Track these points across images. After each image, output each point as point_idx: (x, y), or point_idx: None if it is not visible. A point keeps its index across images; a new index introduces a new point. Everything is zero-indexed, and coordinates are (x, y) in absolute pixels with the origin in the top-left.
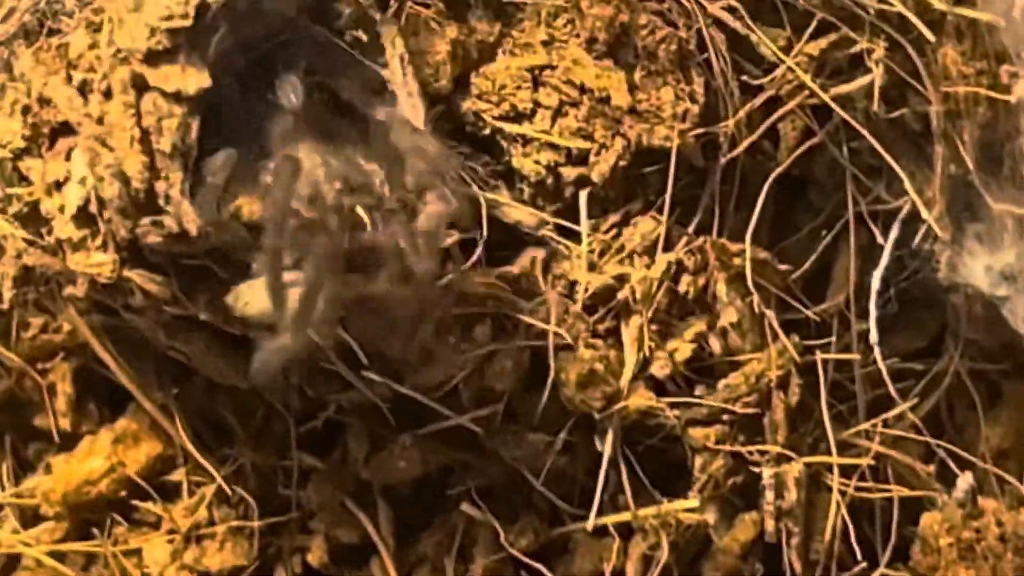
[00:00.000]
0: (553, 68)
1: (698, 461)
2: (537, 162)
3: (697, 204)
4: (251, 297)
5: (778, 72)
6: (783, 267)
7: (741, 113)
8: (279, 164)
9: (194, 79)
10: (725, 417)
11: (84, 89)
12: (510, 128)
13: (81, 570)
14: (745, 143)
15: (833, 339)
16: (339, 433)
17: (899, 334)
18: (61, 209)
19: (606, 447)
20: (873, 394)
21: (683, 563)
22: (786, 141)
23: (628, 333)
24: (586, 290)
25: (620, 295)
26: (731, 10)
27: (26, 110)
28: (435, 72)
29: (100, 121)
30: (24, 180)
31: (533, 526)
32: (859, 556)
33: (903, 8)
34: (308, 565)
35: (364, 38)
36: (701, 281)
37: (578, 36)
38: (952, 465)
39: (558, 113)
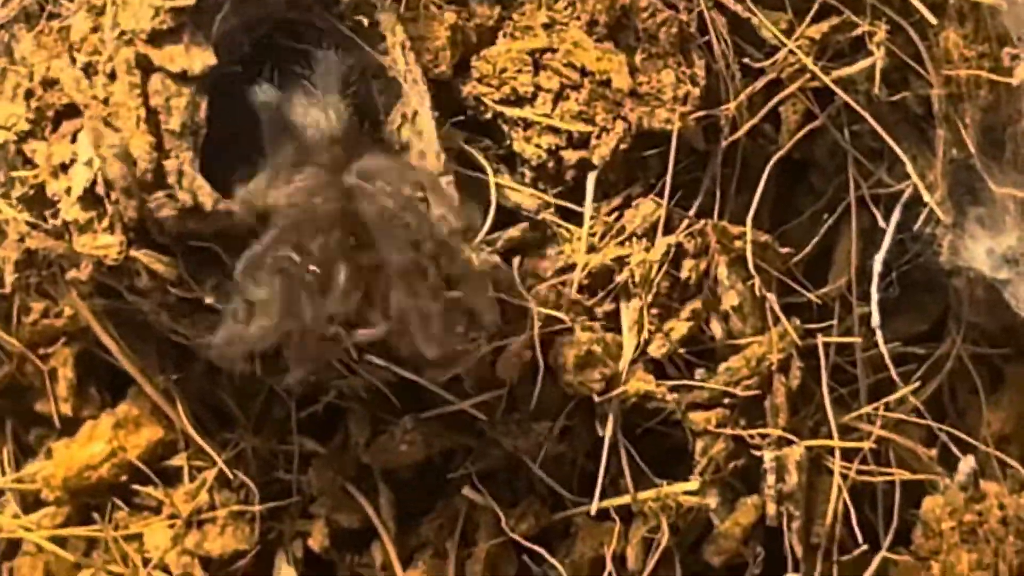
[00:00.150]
0: (554, 51)
1: (699, 445)
2: (538, 146)
3: (698, 187)
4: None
5: (779, 55)
6: (784, 250)
7: (742, 96)
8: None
9: (199, 58)
10: (726, 400)
11: (88, 71)
12: (511, 112)
13: (82, 555)
14: (746, 126)
15: (835, 322)
16: (340, 417)
17: (901, 317)
18: (68, 191)
19: (607, 431)
20: (875, 378)
21: (684, 547)
22: (787, 124)
23: (627, 316)
24: (584, 269)
25: (619, 278)
26: None
27: (29, 93)
28: (435, 58)
29: (106, 102)
30: (28, 163)
31: (534, 510)
32: (861, 540)
33: None
34: (309, 549)
35: (365, 22)
36: (702, 264)
37: (579, 19)
38: (954, 449)
39: (559, 96)
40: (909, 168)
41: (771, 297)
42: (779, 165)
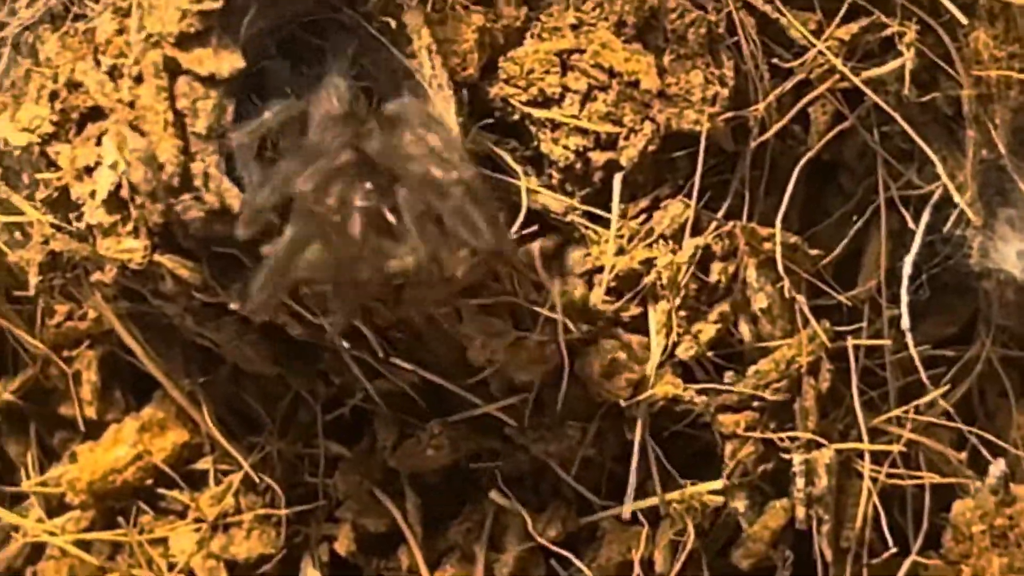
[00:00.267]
0: (582, 52)
1: (728, 448)
2: (566, 147)
3: (727, 189)
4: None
5: (808, 55)
6: (814, 252)
7: (771, 97)
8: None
9: (227, 61)
10: (755, 403)
11: (113, 74)
12: (538, 113)
13: (106, 559)
14: (775, 127)
15: (864, 325)
16: (366, 421)
17: (930, 320)
18: (92, 194)
19: (636, 435)
20: (904, 380)
21: (713, 550)
22: (816, 125)
23: (655, 318)
24: (612, 271)
25: (647, 280)
26: None
27: (54, 95)
28: (462, 61)
29: (132, 105)
30: (52, 165)
31: (561, 515)
32: (890, 543)
33: None
34: (335, 553)
35: (392, 24)
36: (731, 267)
37: (607, 19)
38: (984, 452)
39: (587, 97)
40: (939, 169)
41: (800, 299)
42: (808, 166)
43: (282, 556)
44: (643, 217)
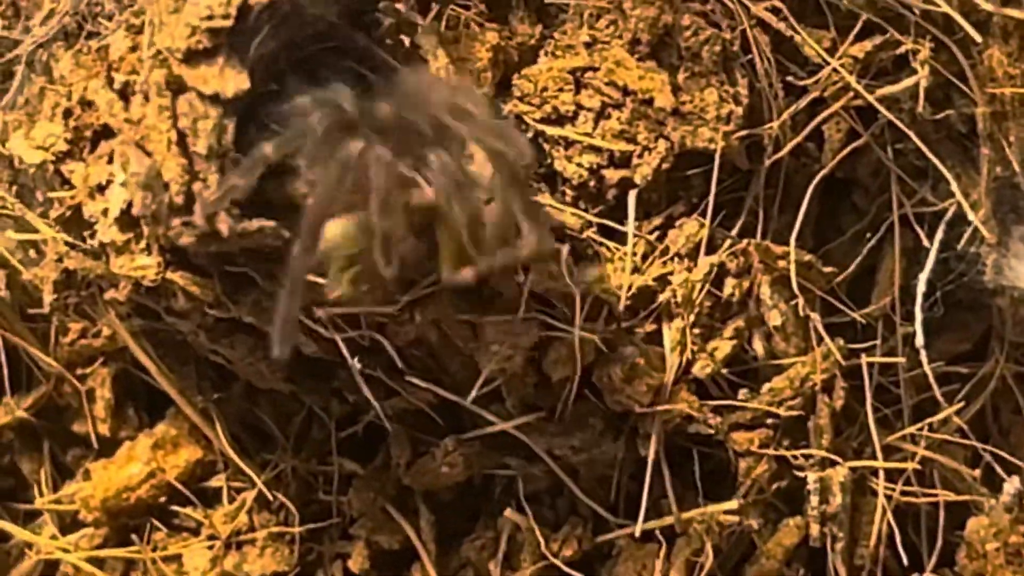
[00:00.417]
0: (596, 70)
1: (742, 465)
2: (580, 165)
3: (741, 206)
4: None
5: (823, 73)
6: (828, 269)
7: (785, 115)
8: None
9: (232, 81)
10: (769, 421)
11: (125, 92)
12: (552, 131)
13: None
14: (789, 145)
15: (878, 342)
16: (380, 438)
17: (944, 337)
18: (104, 212)
19: (650, 452)
20: (918, 398)
21: (727, 568)
22: (831, 143)
23: (670, 336)
24: (629, 290)
25: (662, 297)
26: (775, 11)
27: (67, 113)
28: (477, 79)
29: (138, 124)
30: (66, 183)
31: (576, 534)
32: (904, 561)
33: (949, 9)
34: (349, 571)
35: (406, 43)
36: (745, 284)
37: (621, 37)
38: (998, 469)
39: (601, 115)
40: (953, 187)
41: (814, 317)
42: (822, 184)
43: (296, 574)
44: (657, 235)
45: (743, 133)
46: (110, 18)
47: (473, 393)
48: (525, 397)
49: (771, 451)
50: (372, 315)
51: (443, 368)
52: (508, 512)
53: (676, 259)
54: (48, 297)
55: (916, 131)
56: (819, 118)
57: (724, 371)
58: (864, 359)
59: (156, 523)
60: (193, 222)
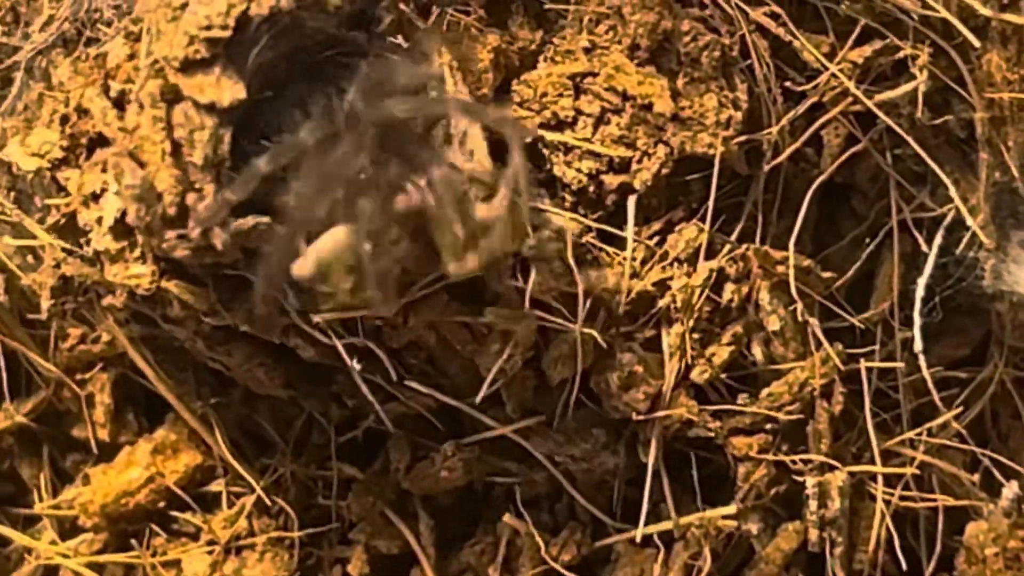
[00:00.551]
0: (595, 75)
1: (741, 470)
2: (579, 170)
3: (740, 211)
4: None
5: (822, 79)
6: (827, 275)
7: (784, 120)
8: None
9: (229, 91)
10: (768, 426)
11: (122, 100)
12: (552, 136)
13: None
14: (788, 150)
15: (877, 347)
16: (380, 443)
17: (943, 342)
18: (99, 220)
19: (650, 457)
20: (917, 403)
21: (726, 573)
22: (829, 148)
23: (669, 341)
24: (628, 295)
25: (661, 303)
26: (774, 16)
27: (64, 120)
28: (477, 81)
29: (133, 134)
30: (62, 190)
31: (575, 539)
32: (903, 566)
33: (947, 14)
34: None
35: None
36: (744, 289)
37: (620, 43)
38: (997, 474)
39: (600, 121)
40: (952, 192)
41: (813, 322)
42: (821, 189)
43: None
44: (656, 240)
45: (742, 138)
46: (109, 25)
47: (480, 396)
48: (524, 401)
49: (770, 456)
50: (369, 319)
51: (442, 372)
52: (507, 517)
53: (675, 264)
54: (46, 303)
55: (915, 136)
56: (818, 123)
57: (723, 376)
58: (863, 364)
59: (155, 528)
60: (188, 235)
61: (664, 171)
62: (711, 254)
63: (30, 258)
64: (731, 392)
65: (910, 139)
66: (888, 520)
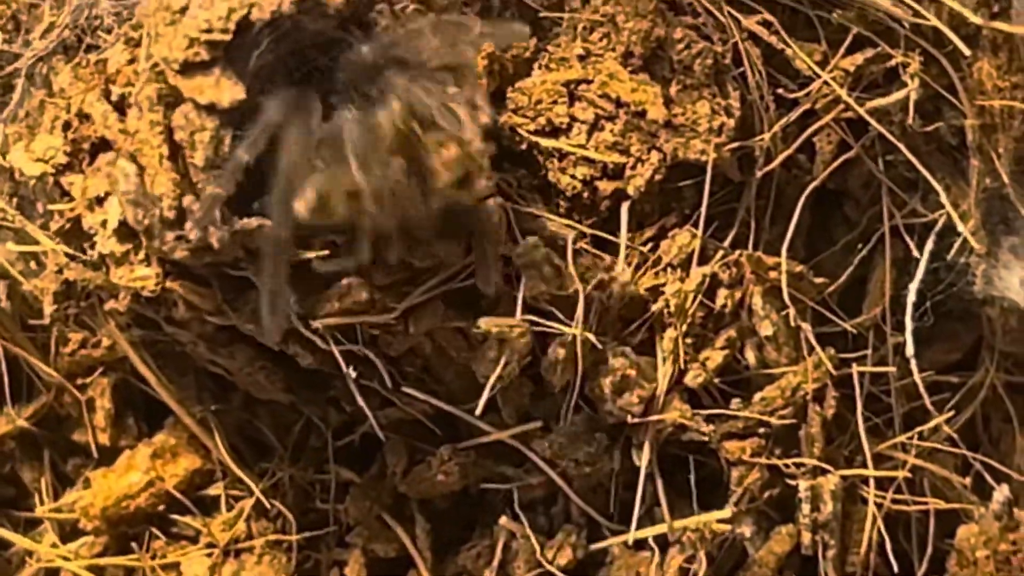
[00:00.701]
0: (589, 82)
1: (734, 474)
2: (573, 176)
3: (733, 217)
4: None
5: (814, 86)
6: (819, 280)
7: (777, 127)
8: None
9: (228, 91)
10: (761, 430)
11: (123, 104)
12: (546, 143)
13: None
14: (781, 157)
15: (869, 352)
16: (377, 447)
17: (935, 347)
18: (103, 224)
19: (643, 460)
20: (909, 407)
21: (719, 575)
22: (822, 155)
23: (662, 346)
24: (621, 300)
25: (654, 307)
26: (766, 24)
27: (67, 126)
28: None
29: (133, 137)
30: (66, 195)
31: (571, 541)
32: (895, 569)
33: (938, 22)
34: None
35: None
36: (737, 294)
37: (614, 50)
38: (988, 478)
39: (594, 127)
40: (943, 198)
41: (806, 327)
42: (813, 195)
43: None
44: (650, 245)
45: (735, 145)
46: (109, 31)
47: (480, 407)
48: (521, 407)
49: (763, 460)
50: (367, 326)
51: (438, 379)
52: (503, 520)
53: (669, 270)
54: (48, 308)
55: (906, 143)
56: (810, 130)
57: (716, 380)
58: (855, 368)
59: (155, 531)
60: (186, 236)
61: (657, 177)
62: (704, 260)
63: (32, 264)
64: (724, 396)
65: (902, 146)
66: (880, 523)
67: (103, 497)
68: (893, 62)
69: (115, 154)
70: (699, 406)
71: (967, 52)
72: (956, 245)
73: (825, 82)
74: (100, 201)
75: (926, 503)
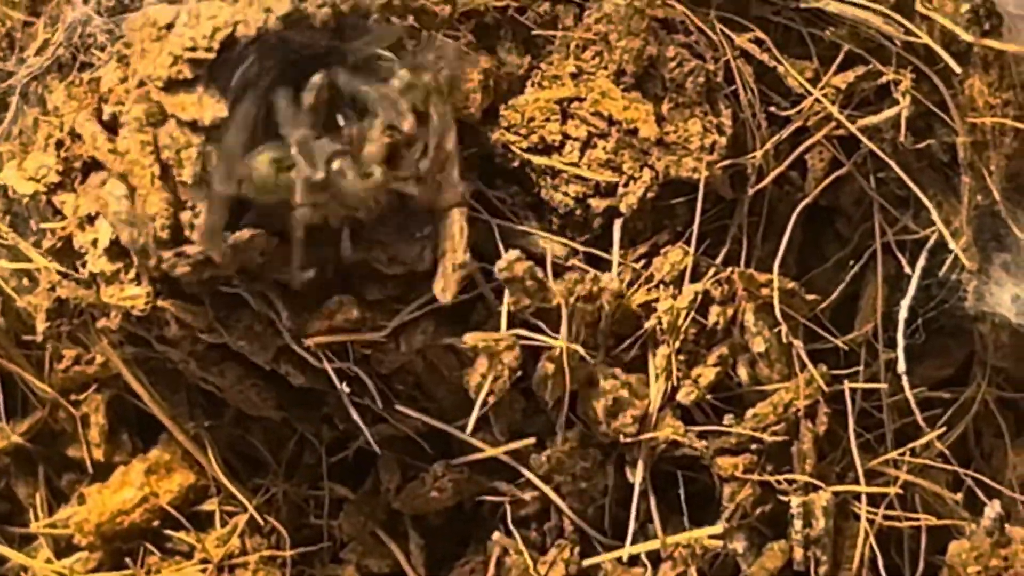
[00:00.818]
0: (581, 100)
1: (727, 490)
2: (566, 194)
3: (725, 235)
4: None
5: (805, 103)
6: (811, 297)
7: (769, 144)
8: None
9: (211, 109)
10: (753, 446)
11: (115, 124)
12: (539, 160)
13: None
14: (773, 174)
15: (861, 368)
16: (370, 463)
17: (926, 363)
18: (94, 243)
19: (636, 477)
20: (901, 423)
21: None
22: (814, 172)
23: (655, 363)
24: (613, 316)
25: (647, 324)
26: (758, 42)
27: (59, 144)
28: (466, 99)
29: (123, 157)
30: (58, 214)
31: (564, 557)
32: None
33: (929, 40)
34: None
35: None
36: (729, 311)
37: (606, 68)
38: (980, 493)
39: (587, 145)
40: (934, 215)
41: (798, 343)
42: (805, 212)
43: None
44: (643, 262)
45: (727, 163)
46: (103, 49)
47: (471, 425)
48: (513, 423)
49: (755, 476)
50: (358, 344)
51: (429, 395)
52: (497, 535)
53: (661, 287)
54: (41, 326)
55: (898, 160)
56: (802, 147)
57: (709, 397)
58: (847, 385)
59: (149, 547)
60: (186, 252)
61: (650, 195)
62: (696, 277)
63: (25, 281)
64: (717, 413)
65: (893, 163)
66: (872, 539)
67: (98, 513)
68: (884, 79)
69: (106, 174)
70: (692, 422)
71: (958, 69)
72: (948, 262)
73: (817, 99)
74: (91, 220)
75: (918, 519)
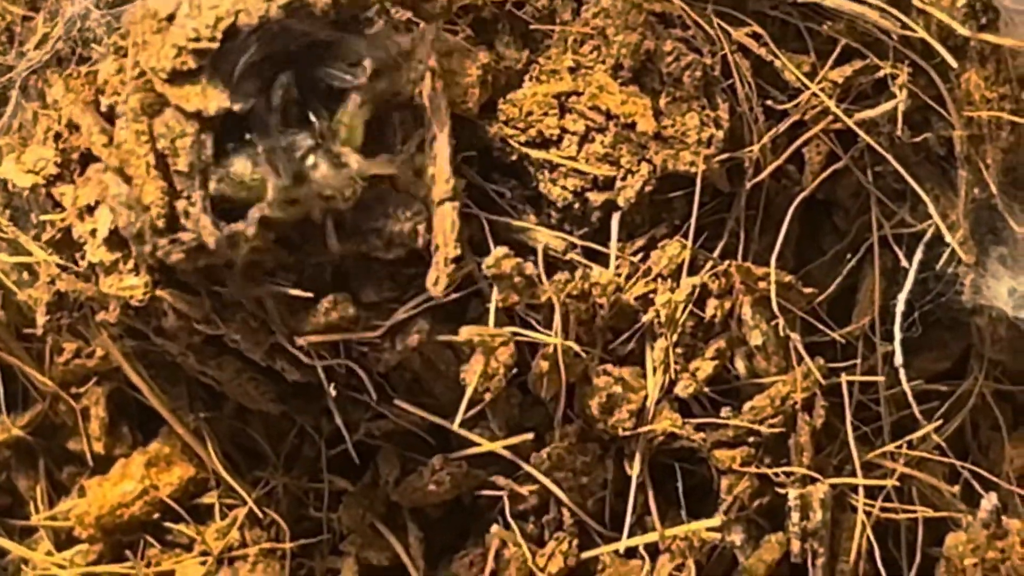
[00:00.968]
0: (579, 94)
1: (724, 483)
2: (564, 188)
3: (722, 228)
4: None
5: (803, 97)
6: (808, 290)
7: (766, 138)
8: None
9: (215, 100)
10: (751, 439)
11: (112, 115)
12: (537, 154)
13: None
14: (770, 168)
15: (858, 361)
16: (370, 456)
17: (923, 356)
18: (93, 233)
19: (634, 470)
20: (898, 415)
21: None
22: (811, 165)
23: (653, 356)
24: (611, 309)
25: (645, 318)
26: (755, 36)
27: (58, 137)
28: (464, 94)
29: (119, 148)
30: (57, 206)
31: (562, 550)
32: None
33: (926, 34)
34: None
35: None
36: (727, 304)
37: (604, 63)
38: (976, 486)
39: (584, 139)
40: (931, 208)
41: (795, 336)
42: (802, 206)
43: None
44: (640, 256)
45: (724, 156)
46: (100, 42)
47: (458, 419)
48: (511, 418)
49: (753, 468)
50: (353, 342)
51: (427, 391)
52: (495, 528)
53: (659, 280)
54: (41, 319)
55: (895, 154)
56: (799, 141)
57: (707, 390)
58: (844, 378)
59: (149, 539)
60: (180, 239)
61: (647, 189)
62: (694, 270)
63: (26, 274)
64: (714, 406)
65: (890, 157)
66: (869, 531)
67: (98, 505)
68: (881, 73)
69: (102, 165)
70: (689, 415)
71: (955, 64)
72: (945, 255)
73: (814, 93)
74: (90, 210)
75: (915, 511)
